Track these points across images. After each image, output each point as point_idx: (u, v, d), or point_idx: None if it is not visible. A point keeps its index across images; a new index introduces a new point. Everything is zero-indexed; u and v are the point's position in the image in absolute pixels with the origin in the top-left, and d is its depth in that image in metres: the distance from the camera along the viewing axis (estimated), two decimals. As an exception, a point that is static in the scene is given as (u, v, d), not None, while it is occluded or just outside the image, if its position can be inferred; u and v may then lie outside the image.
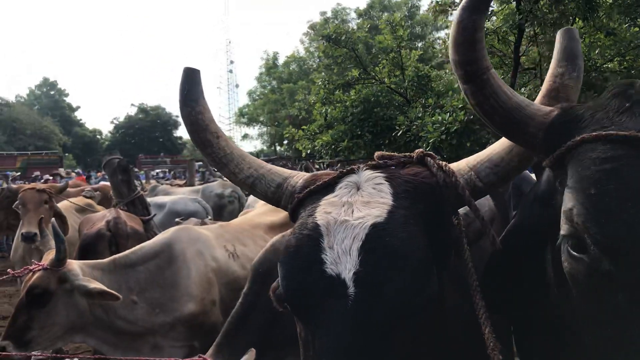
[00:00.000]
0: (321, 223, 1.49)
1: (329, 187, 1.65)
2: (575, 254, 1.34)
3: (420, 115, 12.85)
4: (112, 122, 71.44)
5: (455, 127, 11.37)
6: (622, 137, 1.30)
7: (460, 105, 11.88)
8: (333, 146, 14.95)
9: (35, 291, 3.43)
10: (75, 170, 27.67)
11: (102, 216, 5.45)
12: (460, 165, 1.67)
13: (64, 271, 3.52)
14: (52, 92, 70.61)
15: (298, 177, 1.80)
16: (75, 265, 3.66)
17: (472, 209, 1.57)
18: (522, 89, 12.96)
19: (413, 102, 15.17)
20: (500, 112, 1.50)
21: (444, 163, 1.64)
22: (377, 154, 1.80)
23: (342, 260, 1.40)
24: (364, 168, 1.68)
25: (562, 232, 1.37)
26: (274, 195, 1.80)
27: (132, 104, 74.96)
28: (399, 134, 13.35)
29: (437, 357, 1.65)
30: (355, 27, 23.70)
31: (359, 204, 1.51)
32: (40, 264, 3.54)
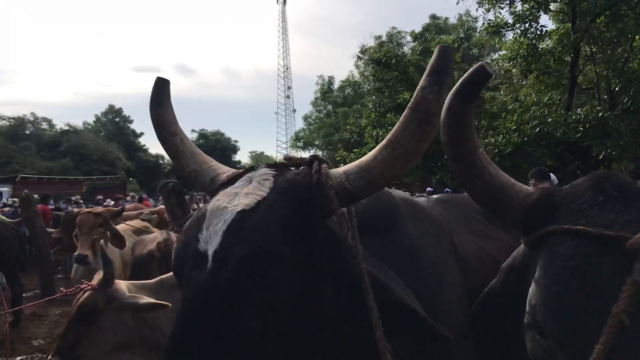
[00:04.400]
0: (208, 208, 1.70)
1: (233, 180, 1.85)
2: (537, 337, 1.46)
3: (473, 137, 12.71)
4: (173, 148, 73.15)
5: (508, 149, 11.16)
6: (587, 233, 1.37)
7: (513, 127, 11.67)
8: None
9: (84, 309, 3.60)
10: (143, 195, 28.63)
11: (154, 238, 5.64)
12: (339, 170, 1.77)
13: (112, 291, 3.68)
14: (117, 119, 73.15)
15: (224, 174, 1.98)
16: (122, 285, 3.82)
17: (334, 208, 1.65)
18: (579, 109, 12.60)
19: (466, 124, 14.99)
20: (484, 192, 1.67)
21: (325, 166, 1.76)
22: (283, 156, 1.98)
23: (211, 239, 1.59)
24: (263, 166, 1.87)
25: (525, 320, 1.51)
26: (209, 187, 1.99)
27: (193, 130, 77.07)
28: (451, 157, 13.20)
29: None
30: (409, 51, 23.67)
31: (242, 195, 1.69)
32: (90, 283, 3.72)
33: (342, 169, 1.78)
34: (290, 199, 1.69)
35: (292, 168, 1.87)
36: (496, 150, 11.32)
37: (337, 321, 1.80)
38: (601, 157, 11.92)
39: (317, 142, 48.11)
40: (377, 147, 1.70)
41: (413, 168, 14.70)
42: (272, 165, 1.88)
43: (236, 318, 1.54)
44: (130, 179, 61.31)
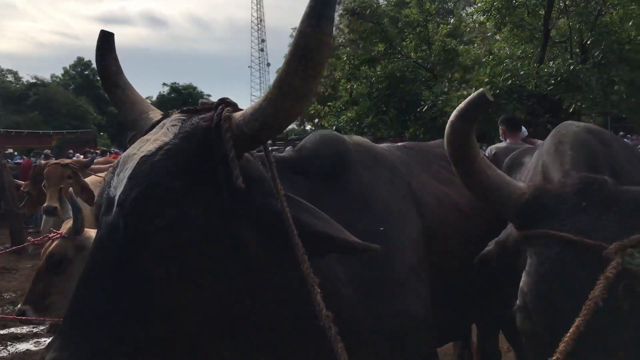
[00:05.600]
0: (123, 156, 1.75)
1: (152, 127, 1.87)
2: (526, 318, 1.76)
3: (446, 90, 12.69)
4: (144, 102, 71.88)
5: (480, 102, 11.18)
6: (571, 240, 1.63)
7: (486, 80, 11.70)
8: (358, 122, 14.88)
9: (54, 258, 3.58)
10: (114, 150, 28.20)
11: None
12: (238, 113, 1.76)
13: (82, 239, 3.66)
14: (86, 72, 71.33)
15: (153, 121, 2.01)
16: (93, 233, 3.79)
17: (228, 151, 1.66)
18: (551, 62, 12.67)
19: (439, 77, 14.98)
20: (482, 192, 1.90)
21: (228, 109, 1.76)
22: (199, 101, 1.98)
23: (119, 185, 1.64)
24: (177, 112, 1.89)
25: (518, 302, 1.79)
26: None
27: (164, 84, 75.70)
28: (424, 110, 13.21)
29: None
30: (384, 2, 23.38)
31: (150, 141, 1.73)
32: (58, 232, 3.69)
33: (242, 111, 1.78)
34: (190, 142, 1.71)
35: (203, 113, 1.86)
36: (469, 103, 11.31)
37: (260, 264, 1.83)
38: (571, 110, 12.07)
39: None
40: (268, 88, 1.68)
41: (387, 121, 14.72)
42: (185, 110, 1.89)
43: (138, 260, 1.58)
44: (101, 133, 60.34)
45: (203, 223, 1.67)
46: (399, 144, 3.64)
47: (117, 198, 1.61)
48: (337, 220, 1.88)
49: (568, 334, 1.45)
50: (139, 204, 1.58)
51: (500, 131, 6.94)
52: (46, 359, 1.49)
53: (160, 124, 1.84)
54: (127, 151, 1.74)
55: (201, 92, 75.71)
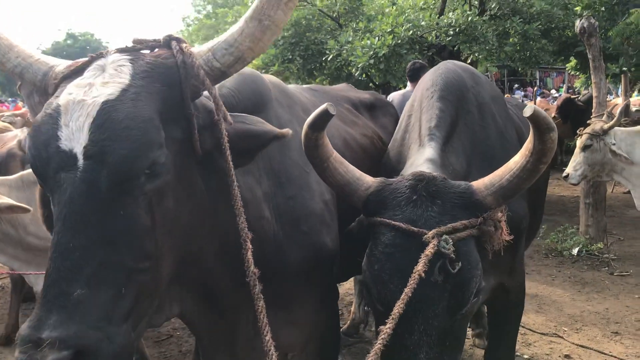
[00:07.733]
0: (61, 103, 1.57)
1: (80, 71, 1.71)
2: (365, 289, 2.08)
3: (350, 39, 12.73)
4: (37, 49, 67.23)
5: (383, 52, 11.36)
6: (400, 227, 1.93)
7: (388, 30, 11.86)
8: (263, 70, 14.71)
9: None
10: (10, 100, 26.41)
11: (14, 136, 5.36)
12: (202, 48, 1.74)
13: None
14: (-32, 14, 65.76)
15: (62, 66, 1.82)
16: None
17: (207, 88, 1.66)
18: (451, 13, 13.01)
19: (344, 27, 15.01)
20: (336, 186, 2.16)
21: (186, 45, 1.71)
22: (132, 39, 1.85)
23: (76, 136, 1.50)
24: (113, 52, 1.75)
25: (361, 278, 2.12)
26: (41, 83, 1.83)
27: (59, 29, 70.95)
28: (329, 59, 13.23)
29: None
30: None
31: (98, 85, 1.59)
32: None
33: (205, 46, 1.74)
34: (157, 83, 1.63)
35: (148, 51, 1.77)
36: (371, 52, 11.49)
37: (213, 203, 1.87)
38: (469, 61, 12.52)
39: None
40: (243, 21, 1.66)
41: (293, 71, 14.66)
42: (123, 49, 1.75)
43: (125, 214, 1.51)
44: (-9, 82, 56.04)
45: (176, 164, 1.65)
46: (305, 86, 3.73)
47: (81, 151, 1.48)
48: (257, 157, 1.97)
49: (399, 301, 1.76)
50: (130, 157, 1.49)
51: (407, 79, 7.22)
52: (44, 337, 1.35)
53: (95, 66, 1.68)
54: (67, 98, 1.57)
55: (99, 39, 71.59)
